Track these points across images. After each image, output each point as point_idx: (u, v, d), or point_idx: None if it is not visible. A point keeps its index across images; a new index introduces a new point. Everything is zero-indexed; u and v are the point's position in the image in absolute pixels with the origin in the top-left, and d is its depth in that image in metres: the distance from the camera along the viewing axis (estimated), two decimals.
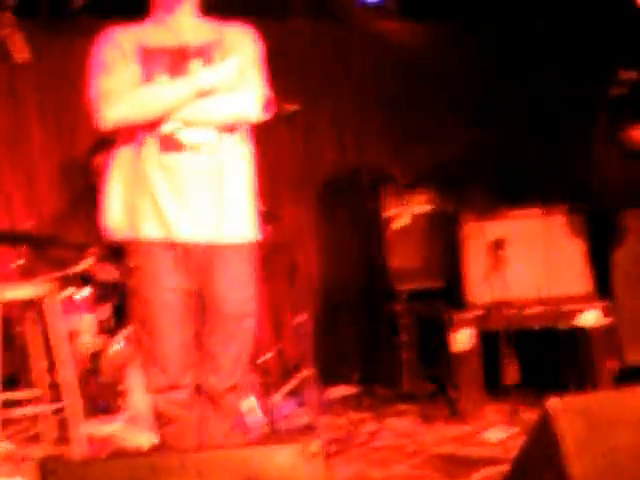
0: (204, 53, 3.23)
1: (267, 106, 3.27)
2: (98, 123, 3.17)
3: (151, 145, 3.17)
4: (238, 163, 3.27)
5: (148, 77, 3.19)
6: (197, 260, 3.20)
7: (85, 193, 5.51)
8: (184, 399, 3.22)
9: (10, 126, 5.72)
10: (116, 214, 3.25)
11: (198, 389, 3.26)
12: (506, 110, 6.26)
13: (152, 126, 3.16)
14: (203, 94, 3.16)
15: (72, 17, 5.63)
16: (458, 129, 6.20)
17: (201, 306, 3.24)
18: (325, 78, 6.19)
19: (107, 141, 4.93)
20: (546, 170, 5.86)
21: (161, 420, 3.26)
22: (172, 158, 3.16)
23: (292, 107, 4.64)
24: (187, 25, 3.28)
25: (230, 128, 3.24)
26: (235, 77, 3.18)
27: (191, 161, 3.17)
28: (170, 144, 3.16)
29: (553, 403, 2.27)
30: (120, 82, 3.16)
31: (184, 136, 3.17)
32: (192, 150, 3.17)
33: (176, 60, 3.21)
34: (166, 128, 3.17)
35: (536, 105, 6.20)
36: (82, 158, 5.45)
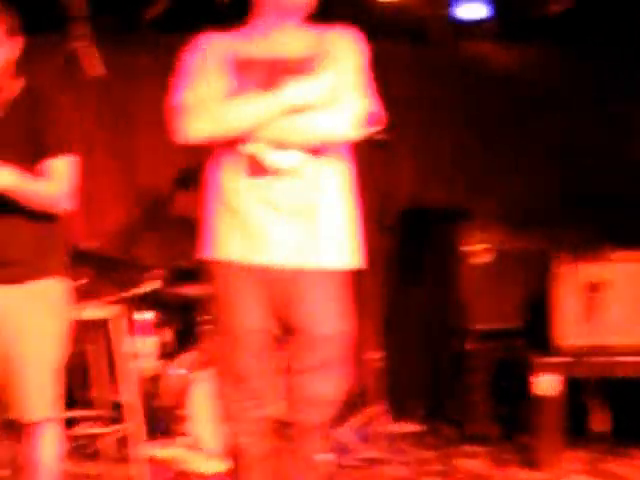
0: (302, 66, 3.02)
1: (371, 119, 3.07)
2: (178, 136, 3.02)
3: (238, 168, 3.03)
4: (331, 186, 3.09)
5: (239, 90, 3.01)
6: (283, 285, 3.03)
7: (156, 217, 5.51)
8: (261, 431, 3.07)
9: None
10: (205, 236, 3.12)
11: (282, 423, 3.09)
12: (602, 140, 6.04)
13: (233, 144, 3.00)
14: (293, 111, 2.97)
15: (139, 32, 5.57)
16: (551, 160, 6.04)
17: (289, 335, 3.07)
18: (408, 106, 5.99)
19: (192, 176, 4.97)
20: None
21: (234, 451, 3.11)
22: (259, 183, 3.01)
23: (379, 135, 4.52)
24: (287, 37, 3.09)
25: (322, 149, 3.04)
26: (330, 93, 2.98)
27: (280, 185, 3.01)
28: (257, 168, 3.01)
29: None
30: (206, 94, 2.99)
31: (271, 159, 3.01)
32: (280, 174, 3.00)
33: (271, 73, 3.02)
34: (251, 149, 3.01)
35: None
36: (164, 188, 5.48)
